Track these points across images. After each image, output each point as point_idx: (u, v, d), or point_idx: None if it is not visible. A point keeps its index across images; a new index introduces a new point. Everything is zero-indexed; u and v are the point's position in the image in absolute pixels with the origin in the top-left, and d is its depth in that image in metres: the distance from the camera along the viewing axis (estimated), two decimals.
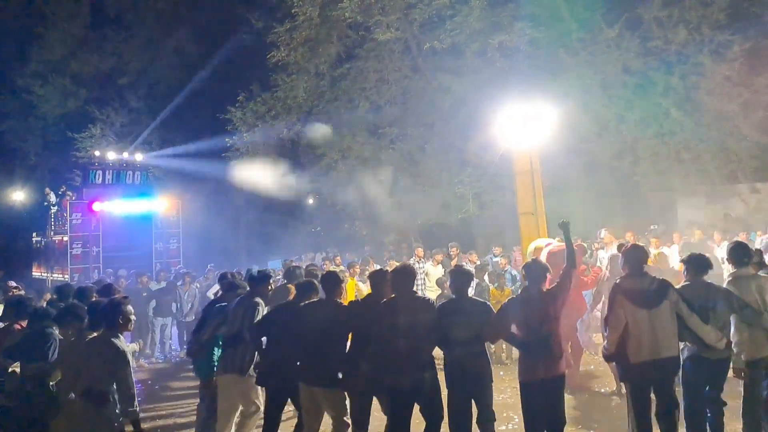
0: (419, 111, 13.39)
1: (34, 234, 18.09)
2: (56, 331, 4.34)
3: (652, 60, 11.25)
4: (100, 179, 16.27)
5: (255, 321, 4.64)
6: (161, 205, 16.35)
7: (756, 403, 4.21)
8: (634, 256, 4.18)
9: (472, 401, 4.15)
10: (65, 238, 15.64)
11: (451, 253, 10.28)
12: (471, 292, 8.99)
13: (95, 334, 3.95)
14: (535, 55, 11.78)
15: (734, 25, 10.83)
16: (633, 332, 3.99)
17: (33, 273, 17.82)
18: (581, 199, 12.62)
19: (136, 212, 15.94)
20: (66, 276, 15.25)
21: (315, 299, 4.60)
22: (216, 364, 4.91)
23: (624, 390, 4.36)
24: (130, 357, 3.82)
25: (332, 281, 4.46)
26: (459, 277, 4.33)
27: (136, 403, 3.71)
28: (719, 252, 8.61)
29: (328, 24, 13.12)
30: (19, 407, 4.23)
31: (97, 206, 15.38)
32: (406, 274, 4.25)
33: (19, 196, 21.07)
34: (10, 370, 4.40)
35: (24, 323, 4.73)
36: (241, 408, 4.78)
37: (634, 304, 4.00)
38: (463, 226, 13.99)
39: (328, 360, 4.23)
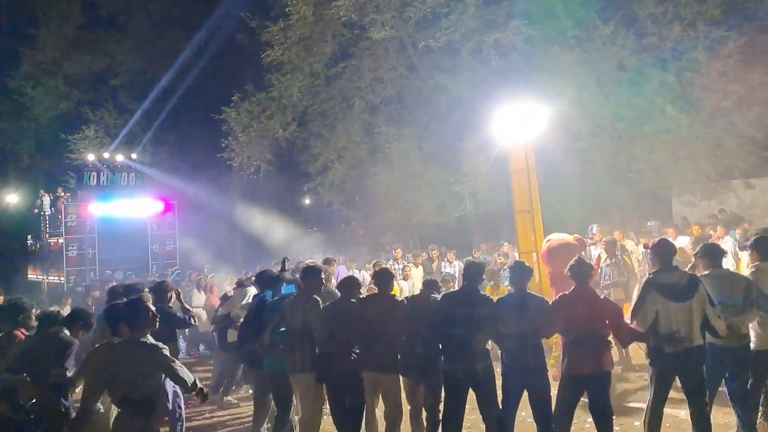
0: (415, 110, 13.36)
1: (29, 237, 17.99)
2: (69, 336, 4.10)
3: (647, 57, 11.24)
4: (95, 181, 16.20)
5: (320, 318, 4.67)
6: (157, 206, 16.28)
7: (754, 395, 4.38)
8: (664, 251, 4.32)
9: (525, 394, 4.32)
10: (60, 241, 15.57)
11: (432, 255, 10.28)
12: None
13: (113, 339, 3.86)
14: (530, 53, 11.76)
15: (729, 22, 10.82)
16: (664, 324, 4.12)
17: (28, 275, 17.75)
18: (577, 197, 12.63)
19: (132, 214, 15.87)
20: (62, 278, 15.19)
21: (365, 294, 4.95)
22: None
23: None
24: (166, 351, 3.63)
25: (386, 277, 4.84)
26: (518, 272, 4.46)
27: (190, 379, 3.58)
28: (725, 246, 8.62)
29: (322, 23, 13.06)
30: (35, 419, 3.92)
31: (92, 208, 15.30)
32: (476, 267, 4.64)
33: (12, 198, 20.95)
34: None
35: (24, 330, 4.48)
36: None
37: (667, 297, 4.13)
38: (460, 226, 13.97)
39: (388, 348, 4.57)
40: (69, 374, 3.94)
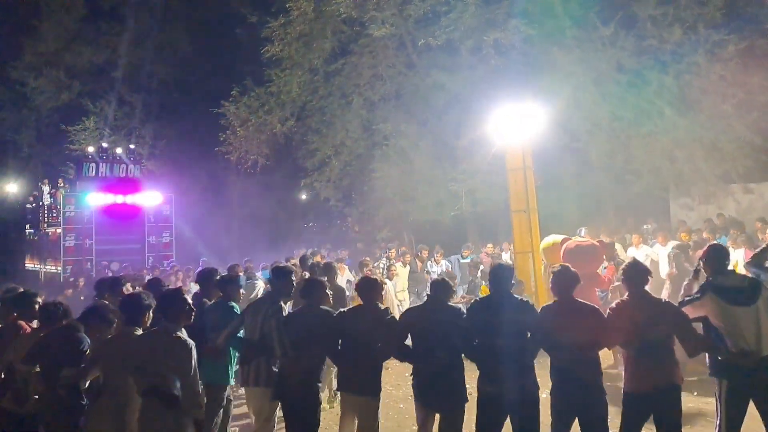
0: (413, 107, 13.35)
1: (27, 226, 18.04)
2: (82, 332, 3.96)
3: (647, 59, 11.20)
4: (94, 172, 16.27)
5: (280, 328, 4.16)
6: (154, 198, 16.32)
7: None
8: (718, 255, 4.00)
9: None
10: (58, 231, 15.61)
11: (422, 254, 10.27)
12: (462, 290, 9.07)
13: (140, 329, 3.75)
14: (529, 53, 11.75)
15: (730, 25, 10.78)
16: (729, 330, 3.75)
17: (26, 265, 17.80)
18: (574, 197, 12.61)
19: (129, 205, 15.92)
20: (59, 268, 15.23)
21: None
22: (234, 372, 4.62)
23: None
24: (195, 353, 3.53)
25: (371, 287, 4.32)
26: (563, 277, 3.93)
27: (202, 402, 3.50)
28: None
29: (322, 19, 13.06)
30: (48, 414, 3.75)
31: (90, 199, 15.35)
32: (505, 270, 4.13)
33: (12, 188, 21.00)
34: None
35: (32, 323, 4.31)
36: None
37: (729, 302, 3.76)
38: (456, 224, 13.96)
39: (372, 368, 4.11)
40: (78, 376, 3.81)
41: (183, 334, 3.58)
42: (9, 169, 20.76)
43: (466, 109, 11.85)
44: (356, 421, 4.19)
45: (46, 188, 16.98)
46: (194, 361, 3.51)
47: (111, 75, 18.33)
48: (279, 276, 4.41)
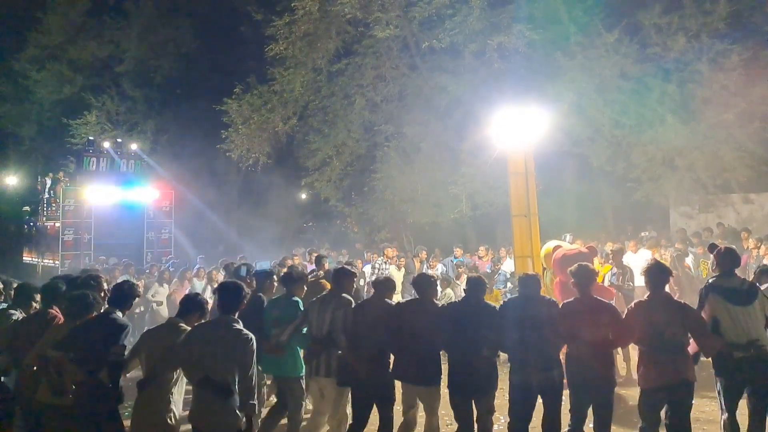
0: (415, 109, 13.35)
1: (27, 219, 18.02)
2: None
3: (650, 66, 11.23)
4: (94, 166, 16.21)
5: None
6: (154, 194, 16.29)
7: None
8: (729, 258, 4.21)
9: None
10: (57, 224, 15.58)
11: (421, 256, 10.26)
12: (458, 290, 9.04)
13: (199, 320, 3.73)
14: (532, 58, 11.77)
15: (734, 35, 10.82)
16: (729, 329, 3.99)
17: (24, 258, 17.77)
18: (574, 203, 12.63)
19: (129, 200, 15.89)
20: (56, 262, 15.20)
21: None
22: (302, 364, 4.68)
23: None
24: (255, 347, 3.52)
25: (427, 282, 4.58)
26: (583, 276, 4.20)
27: (255, 395, 3.46)
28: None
29: (327, 19, 13.07)
30: (86, 404, 3.64)
31: (90, 193, 15.31)
32: (532, 279, 4.46)
33: (12, 180, 20.96)
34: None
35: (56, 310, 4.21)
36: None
37: (728, 301, 4.01)
38: (456, 226, 13.97)
39: (429, 358, 4.32)
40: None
41: (241, 325, 3.53)
42: (9, 161, 20.73)
43: (468, 112, 11.87)
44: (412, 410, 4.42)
45: (48, 181, 16.96)
46: (254, 355, 3.47)
47: (114, 69, 18.30)
48: (342, 276, 4.70)
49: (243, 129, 14.19)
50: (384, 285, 4.60)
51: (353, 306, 4.52)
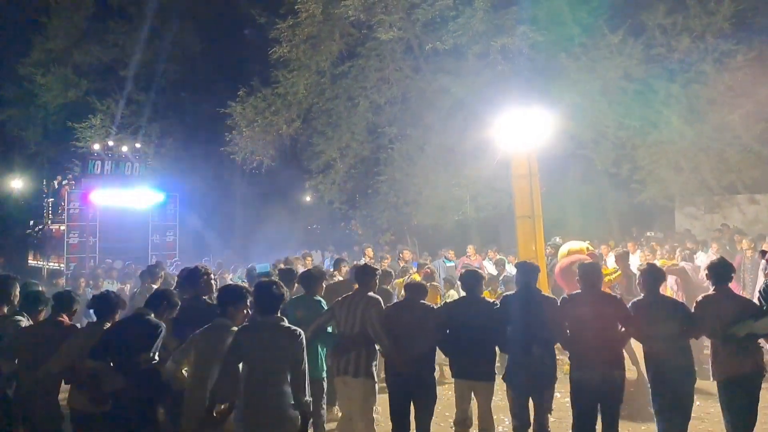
0: (419, 111, 13.35)
1: (31, 222, 18.10)
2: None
3: (654, 67, 11.19)
4: (99, 170, 16.29)
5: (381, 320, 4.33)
6: (159, 197, 16.34)
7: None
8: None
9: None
10: (62, 227, 15.64)
11: (405, 256, 10.22)
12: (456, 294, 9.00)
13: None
14: (536, 59, 11.74)
15: (738, 35, 10.78)
16: None
17: (29, 261, 17.85)
18: (578, 204, 12.59)
19: (134, 204, 15.94)
20: (62, 265, 15.26)
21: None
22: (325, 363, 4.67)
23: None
24: (303, 342, 3.44)
25: (475, 279, 4.63)
26: (651, 276, 4.30)
27: (308, 392, 3.40)
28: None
29: (330, 21, 13.08)
30: (126, 410, 3.55)
31: (95, 196, 15.37)
32: (594, 269, 4.43)
33: (17, 184, 21.08)
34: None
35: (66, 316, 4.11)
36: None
37: None
38: (460, 228, 13.95)
39: (484, 354, 4.42)
40: (156, 358, 3.67)
41: (287, 323, 3.48)
42: (15, 165, 20.85)
43: (471, 114, 11.85)
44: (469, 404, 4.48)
45: (54, 184, 17.06)
46: (305, 351, 3.40)
47: (119, 73, 18.38)
48: (365, 273, 4.70)
49: (247, 132, 14.22)
50: (418, 289, 4.66)
51: (387, 306, 4.54)
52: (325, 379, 4.81)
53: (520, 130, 8.37)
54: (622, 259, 7.54)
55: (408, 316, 4.44)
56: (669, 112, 11.07)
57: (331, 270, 7.57)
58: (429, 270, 7.93)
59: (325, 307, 4.73)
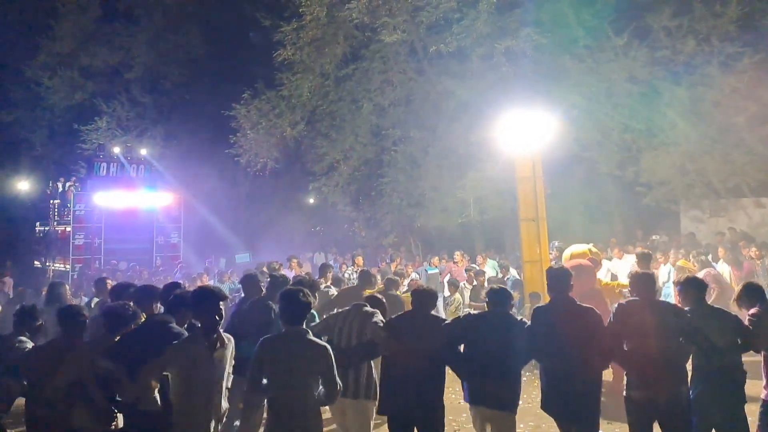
0: (423, 114, 13.36)
1: (37, 224, 18.20)
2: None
3: (659, 70, 11.14)
4: (105, 171, 16.41)
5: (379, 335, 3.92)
6: (163, 199, 16.42)
7: None
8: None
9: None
10: (68, 229, 15.74)
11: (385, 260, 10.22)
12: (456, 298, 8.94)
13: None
14: (540, 61, 11.72)
15: (744, 37, 10.71)
16: None
17: (34, 262, 17.93)
18: (582, 207, 12.54)
19: (139, 205, 16.03)
20: (67, 266, 15.35)
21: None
22: None
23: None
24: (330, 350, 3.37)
25: (503, 296, 4.11)
26: (694, 286, 4.05)
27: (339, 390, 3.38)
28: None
29: (334, 24, 13.12)
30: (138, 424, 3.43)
31: (100, 198, 15.47)
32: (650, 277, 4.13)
33: (24, 186, 21.21)
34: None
35: None
36: None
37: None
38: (463, 231, 13.93)
39: (507, 378, 3.83)
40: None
41: (312, 335, 3.41)
42: (21, 167, 20.98)
43: (475, 117, 11.83)
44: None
45: (60, 186, 17.17)
46: (332, 360, 3.33)
47: (124, 76, 18.49)
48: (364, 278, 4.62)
49: (251, 134, 14.27)
50: (428, 296, 4.08)
51: (390, 318, 4.15)
52: None
53: (524, 133, 8.36)
54: (645, 259, 7.26)
55: (413, 330, 3.91)
56: (674, 115, 11.02)
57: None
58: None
59: (317, 318, 4.53)
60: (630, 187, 12.12)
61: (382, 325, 3.99)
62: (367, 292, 5.23)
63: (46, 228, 17.43)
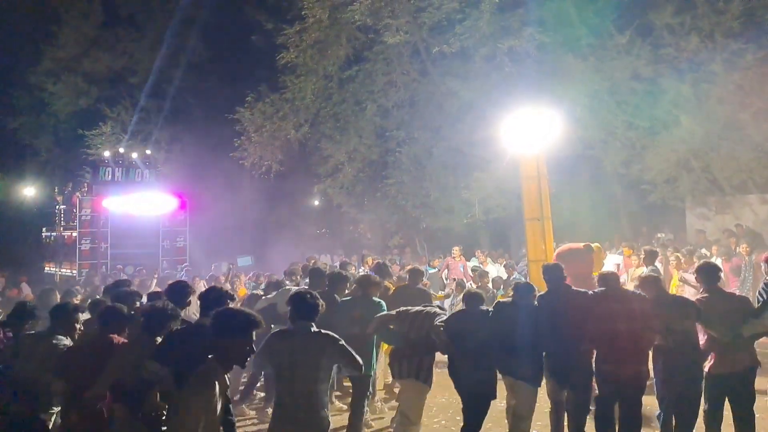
0: (426, 115, 13.38)
1: (44, 229, 18.30)
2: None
3: (663, 67, 11.13)
4: (110, 176, 16.44)
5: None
6: (169, 203, 16.46)
7: None
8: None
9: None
10: (74, 234, 15.80)
11: (367, 262, 10.19)
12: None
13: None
14: (543, 60, 11.74)
15: (747, 34, 10.69)
16: None
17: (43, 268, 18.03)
18: (587, 206, 12.53)
19: (144, 210, 16.07)
20: (74, 271, 15.41)
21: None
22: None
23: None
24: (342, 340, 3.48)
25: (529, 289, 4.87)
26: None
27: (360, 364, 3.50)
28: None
29: (337, 26, 13.17)
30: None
31: (106, 203, 15.53)
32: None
33: (30, 191, 21.33)
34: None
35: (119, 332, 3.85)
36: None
37: None
38: (468, 231, 13.93)
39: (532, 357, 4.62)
40: None
41: (315, 328, 3.46)
42: (27, 172, 21.10)
43: (479, 117, 11.85)
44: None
45: (65, 191, 17.26)
46: (346, 346, 3.42)
47: (128, 81, 18.59)
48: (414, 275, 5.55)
49: (255, 137, 14.32)
50: (477, 298, 4.87)
51: (449, 316, 4.78)
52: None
53: (528, 132, 8.35)
54: (651, 255, 7.37)
55: (472, 323, 4.63)
56: (678, 112, 11.01)
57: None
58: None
59: (385, 309, 4.98)
60: (635, 184, 12.10)
61: (442, 328, 4.61)
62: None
63: (53, 233, 17.51)
